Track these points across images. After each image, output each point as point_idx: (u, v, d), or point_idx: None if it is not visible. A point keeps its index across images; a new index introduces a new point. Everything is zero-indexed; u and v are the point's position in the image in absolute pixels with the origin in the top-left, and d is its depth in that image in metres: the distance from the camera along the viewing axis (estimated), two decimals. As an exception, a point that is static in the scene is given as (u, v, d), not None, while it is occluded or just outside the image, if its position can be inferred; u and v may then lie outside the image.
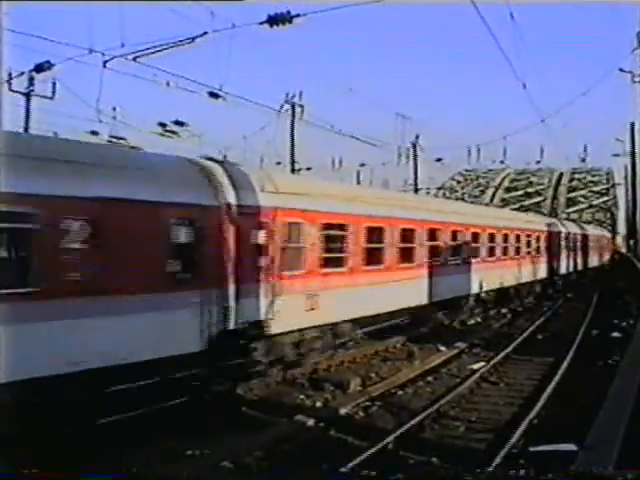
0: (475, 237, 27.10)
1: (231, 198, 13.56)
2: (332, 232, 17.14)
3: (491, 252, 28.92)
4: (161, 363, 11.70)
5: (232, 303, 13.48)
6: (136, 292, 11.32)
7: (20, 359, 9.40)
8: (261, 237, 14.33)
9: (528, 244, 35.19)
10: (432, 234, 22.94)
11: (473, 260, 26.52)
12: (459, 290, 25.67)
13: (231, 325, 13.51)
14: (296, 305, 15.42)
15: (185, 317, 12.41)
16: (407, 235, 20.83)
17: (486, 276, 27.82)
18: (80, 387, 10.30)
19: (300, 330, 16.02)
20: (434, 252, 23.04)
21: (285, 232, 15.18)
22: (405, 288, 20.45)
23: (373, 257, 18.86)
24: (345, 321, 17.86)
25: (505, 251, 31.00)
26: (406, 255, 20.74)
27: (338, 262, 17.42)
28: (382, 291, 18.91)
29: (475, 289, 27.12)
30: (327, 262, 16.83)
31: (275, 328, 14.73)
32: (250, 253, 14.03)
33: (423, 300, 21.95)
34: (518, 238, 33.25)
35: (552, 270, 40.18)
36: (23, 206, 9.71)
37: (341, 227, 17.53)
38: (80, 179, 10.68)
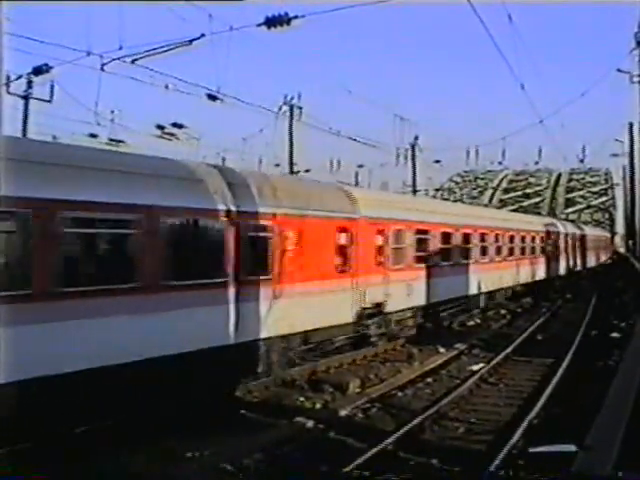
0: (497, 238, 31.73)
1: (365, 212, 19.06)
2: (421, 236, 22.93)
3: (510, 251, 33.65)
4: (334, 328, 17.67)
5: (366, 288, 18.86)
6: (323, 278, 17.02)
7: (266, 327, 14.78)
8: (380, 240, 20.11)
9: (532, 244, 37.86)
10: (482, 237, 29.44)
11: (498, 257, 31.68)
12: (504, 282, 32.42)
13: (365, 304, 18.94)
14: (400, 291, 20.94)
15: (344, 297, 17.93)
16: (465, 238, 27.41)
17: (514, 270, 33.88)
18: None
19: (401, 310, 21.39)
20: (482, 250, 29.43)
21: (394, 237, 20.92)
22: (461, 279, 26.92)
23: (446, 255, 25.07)
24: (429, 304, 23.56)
25: (522, 251, 35.61)
26: (464, 253, 27.16)
27: (424, 259, 23.00)
28: (451, 280, 25.34)
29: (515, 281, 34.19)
30: (417, 259, 22.42)
31: (388, 308, 20.29)
32: (374, 252, 19.76)
33: (474, 291, 28.29)
34: (533, 239, 37.66)
35: (550, 271, 40.33)
36: (263, 220, 14.80)
37: (426, 232, 23.35)
38: (298, 207, 16.18)
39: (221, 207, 13.57)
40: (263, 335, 14.76)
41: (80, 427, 10.58)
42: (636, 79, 29.60)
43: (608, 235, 79.04)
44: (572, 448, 8.33)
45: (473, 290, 28.28)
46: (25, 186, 10.12)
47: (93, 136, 30.29)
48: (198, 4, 18.20)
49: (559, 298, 37.21)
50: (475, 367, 17.81)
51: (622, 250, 71.73)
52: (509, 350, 19.82)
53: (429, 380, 16.65)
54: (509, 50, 58.24)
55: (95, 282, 11.08)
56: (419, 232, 22.68)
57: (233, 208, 13.78)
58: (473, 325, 26.85)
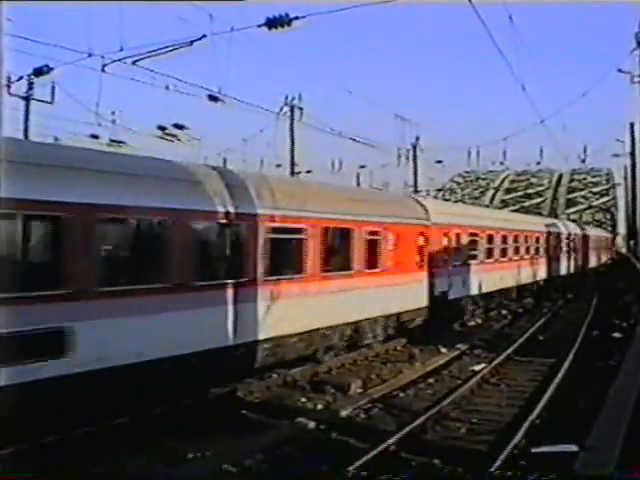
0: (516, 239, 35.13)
1: (434, 219, 23.62)
2: (473, 238, 27.91)
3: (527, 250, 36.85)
4: (416, 310, 22.08)
5: (435, 280, 23.45)
6: (410, 271, 21.62)
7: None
8: (445, 241, 24.85)
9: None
10: (515, 238, 34.02)
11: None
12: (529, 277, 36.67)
13: (435, 293, 23.36)
14: (459, 282, 25.67)
15: (422, 286, 22.51)
16: (503, 239, 31.88)
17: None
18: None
19: (460, 298, 26.02)
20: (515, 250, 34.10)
21: (454, 239, 25.76)
22: (501, 274, 31.00)
23: (490, 254, 30.01)
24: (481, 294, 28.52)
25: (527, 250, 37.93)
26: (502, 252, 31.80)
27: (475, 257, 28.09)
28: (495, 275, 29.99)
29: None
30: (470, 257, 27.43)
31: (451, 296, 24.82)
32: (441, 251, 24.30)
33: (510, 284, 33.09)
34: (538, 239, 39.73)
35: (551, 271, 40.40)
36: (375, 227, 19.50)
37: (476, 235, 28.31)
38: (396, 217, 20.98)
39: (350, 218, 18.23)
40: (372, 316, 19.55)
41: (82, 428, 10.59)
42: (637, 79, 29.60)
43: (609, 236, 78.91)
44: (574, 448, 8.33)
45: (510, 283, 33.01)
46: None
47: (94, 137, 30.34)
48: (199, 4, 18.22)
49: (560, 298, 37.21)
50: (477, 367, 17.79)
51: (624, 250, 71.59)
52: (510, 350, 19.80)
53: (431, 380, 16.64)
54: (510, 51, 58.17)
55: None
56: (471, 235, 27.75)
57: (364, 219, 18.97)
58: (474, 325, 26.83)
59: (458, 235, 26.16)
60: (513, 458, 10.22)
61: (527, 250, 36.12)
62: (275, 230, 15.08)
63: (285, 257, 16.06)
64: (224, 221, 13.85)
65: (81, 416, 10.40)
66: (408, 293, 21.39)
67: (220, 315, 13.61)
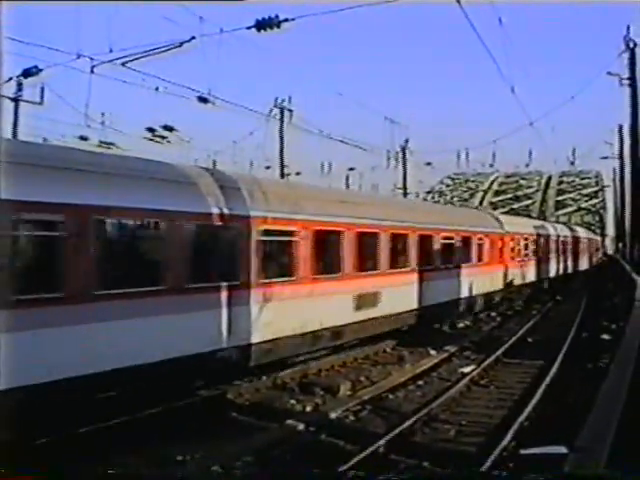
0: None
1: (506, 229, 32.95)
2: (525, 242, 36.46)
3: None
4: (497, 292, 31.35)
5: (507, 271, 32.51)
6: (494, 264, 30.30)
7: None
8: (512, 244, 33.13)
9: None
10: (536, 241, 39.78)
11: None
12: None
13: (506, 280, 32.10)
14: (523, 272, 35.48)
15: (500, 275, 31.37)
16: (527, 243, 37.54)
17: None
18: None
19: (522, 285, 35.58)
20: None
21: (517, 242, 34.77)
22: (546, 266, 41.52)
23: (535, 253, 38.89)
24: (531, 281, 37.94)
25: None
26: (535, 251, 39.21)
27: (527, 255, 36.97)
28: (536, 267, 38.88)
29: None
30: (525, 255, 36.42)
31: (515, 283, 33.80)
32: (511, 251, 33.22)
33: (552, 274, 43.48)
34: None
35: (540, 274, 40.71)
36: (481, 235, 29.66)
37: (527, 239, 37.00)
38: (489, 227, 30.74)
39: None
40: (481, 292, 28.82)
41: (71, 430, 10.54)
42: (625, 82, 29.70)
43: (598, 238, 79.20)
44: (563, 450, 8.33)
45: (552, 274, 43.28)
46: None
47: (83, 139, 30.24)
48: (188, 4, 18.17)
49: (550, 300, 37.32)
50: (466, 369, 17.80)
51: (611, 252, 71.90)
52: (500, 352, 19.83)
53: (420, 382, 16.64)
54: (499, 52, 58.33)
55: None
56: (525, 239, 36.60)
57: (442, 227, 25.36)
58: (463, 327, 26.86)
59: (519, 240, 35.53)
60: (502, 460, 10.23)
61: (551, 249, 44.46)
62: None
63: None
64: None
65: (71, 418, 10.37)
66: (495, 279, 30.90)
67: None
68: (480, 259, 28.89)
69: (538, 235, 40.48)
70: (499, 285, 31.60)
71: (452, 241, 25.94)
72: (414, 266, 22.33)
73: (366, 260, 19.21)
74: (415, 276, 22.38)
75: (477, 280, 28.07)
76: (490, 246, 30.03)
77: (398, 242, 21.42)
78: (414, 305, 22.21)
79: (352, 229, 18.42)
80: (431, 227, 23.97)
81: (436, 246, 24.36)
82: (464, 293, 26.99)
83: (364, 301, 18.85)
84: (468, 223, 28.60)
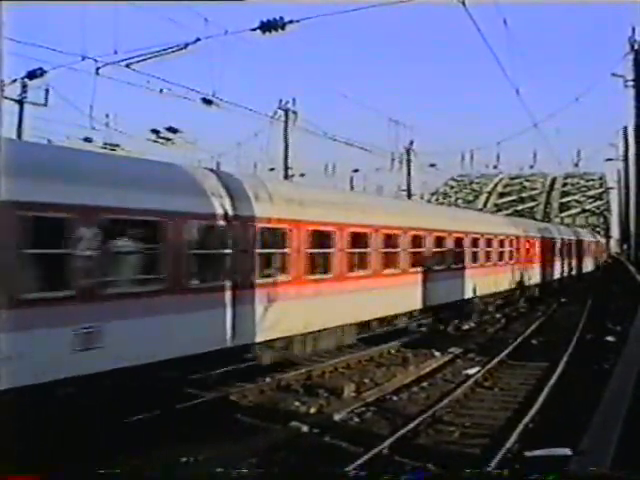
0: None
1: (524, 234, 37.49)
2: (546, 245, 40.91)
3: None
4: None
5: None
6: (534, 262, 38.12)
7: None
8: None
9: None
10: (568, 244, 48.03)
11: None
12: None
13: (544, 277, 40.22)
14: (553, 271, 43.00)
15: (538, 271, 39.18)
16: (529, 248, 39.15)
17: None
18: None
19: (553, 280, 42.74)
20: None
21: (532, 245, 38.10)
22: (566, 267, 47.70)
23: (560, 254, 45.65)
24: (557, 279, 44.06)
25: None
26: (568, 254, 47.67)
27: (553, 256, 43.18)
28: (559, 267, 44.95)
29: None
30: (552, 255, 42.78)
31: (546, 279, 41.12)
32: (526, 253, 37.01)
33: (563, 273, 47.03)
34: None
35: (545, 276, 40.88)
36: (525, 239, 36.92)
37: (532, 243, 38.55)
38: (524, 231, 37.72)
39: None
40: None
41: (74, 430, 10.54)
42: (630, 83, 29.67)
43: (603, 240, 79.03)
44: (567, 452, 8.32)
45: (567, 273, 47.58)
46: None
47: (88, 140, 30.27)
48: (192, 4, 18.18)
49: (555, 302, 37.25)
50: (470, 371, 17.77)
51: (616, 254, 71.73)
52: (504, 354, 19.79)
53: (424, 384, 16.60)
54: (504, 54, 58.24)
55: None
56: (543, 243, 40.32)
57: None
58: (468, 329, 26.82)
59: (547, 244, 41.03)
60: (507, 462, 10.21)
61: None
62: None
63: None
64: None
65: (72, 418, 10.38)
66: (532, 275, 37.31)
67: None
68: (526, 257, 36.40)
69: (551, 239, 43.86)
70: (537, 279, 38.73)
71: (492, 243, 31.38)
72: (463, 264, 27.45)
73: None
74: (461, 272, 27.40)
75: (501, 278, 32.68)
76: (528, 248, 37.01)
77: (441, 245, 25.20)
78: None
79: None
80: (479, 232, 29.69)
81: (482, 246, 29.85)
82: (494, 289, 31.59)
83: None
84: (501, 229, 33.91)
